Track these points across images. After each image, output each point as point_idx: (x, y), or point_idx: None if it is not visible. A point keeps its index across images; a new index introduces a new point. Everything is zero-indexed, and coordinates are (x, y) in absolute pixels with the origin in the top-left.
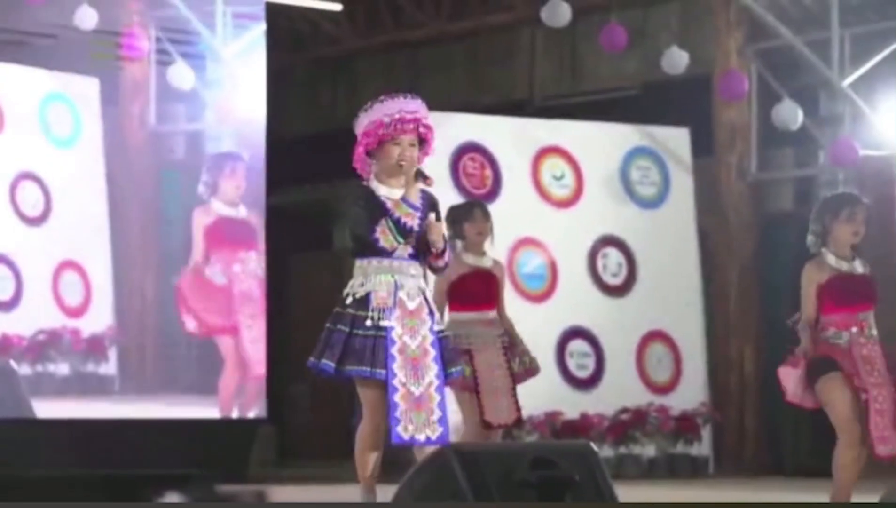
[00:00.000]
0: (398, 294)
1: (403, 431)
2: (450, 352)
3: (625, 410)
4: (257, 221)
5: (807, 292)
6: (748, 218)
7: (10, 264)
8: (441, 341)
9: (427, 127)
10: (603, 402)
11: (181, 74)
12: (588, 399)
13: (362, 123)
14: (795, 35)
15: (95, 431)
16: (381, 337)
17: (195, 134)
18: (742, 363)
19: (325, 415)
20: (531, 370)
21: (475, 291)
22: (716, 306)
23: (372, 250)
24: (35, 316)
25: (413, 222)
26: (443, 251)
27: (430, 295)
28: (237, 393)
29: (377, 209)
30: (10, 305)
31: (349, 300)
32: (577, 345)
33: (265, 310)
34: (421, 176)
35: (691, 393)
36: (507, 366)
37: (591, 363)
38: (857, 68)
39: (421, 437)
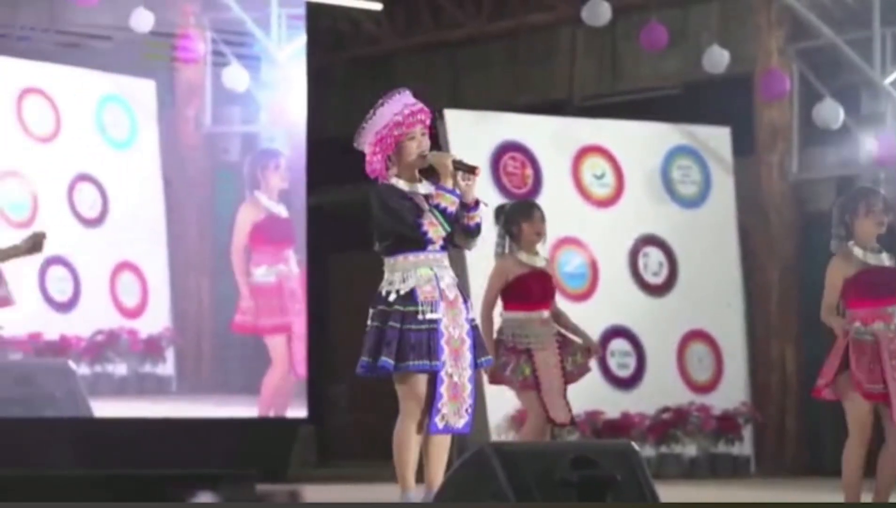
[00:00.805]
0: (440, 286)
1: (441, 421)
2: (481, 342)
3: (666, 409)
4: (297, 219)
5: (832, 282)
6: (789, 218)
7: (68, 266)
8: (474, 329)
9: (428, 113)
10: (644, 401)
11: (236, 76)
12: (629, 399)
13: (370, 132)
14: (837, 34)
15: (141, 431)
16: (433, 330)
17: (250, 135)
18: (783, 363)
19: (364, 415)
20: (584, 367)
21: (532, 291)
22: (757, 305)
23: (409, 245)
24: (93, 317)
25: (454, 208)
26: (476, 203)
27: (461, 285)
28: (280, 393)
29: (416, 205)
30: (68, 306)
31: (393, 297)
32: (618, 344)
33: (306, 310)
34: (462, 167)
35: (732, 393)
36: (561, 366)
37: (632, 362)
38: None
39: (452, 426)
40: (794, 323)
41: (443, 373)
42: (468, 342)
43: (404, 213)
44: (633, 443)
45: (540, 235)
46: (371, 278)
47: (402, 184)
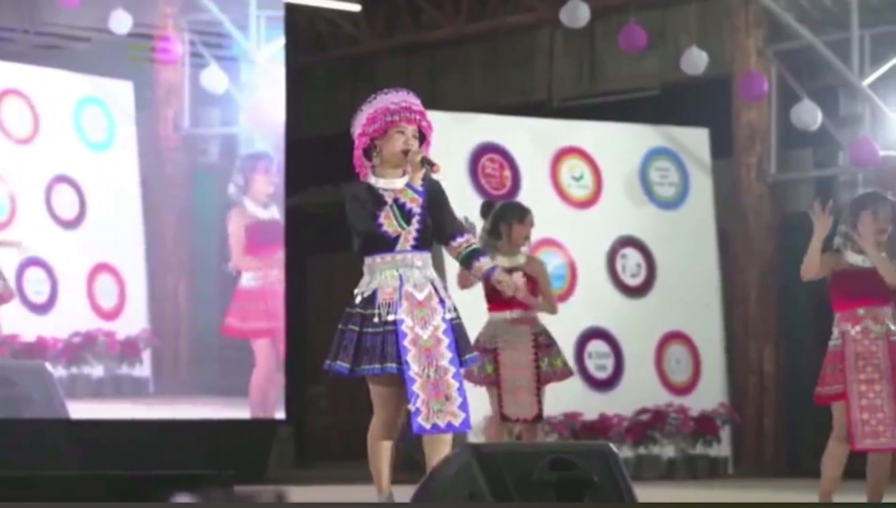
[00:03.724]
0: (404, 287)
1: (425, 421)
2: (465, 339)
3: (644, 411)
4: (280, 221)
5: (823, 258)
6: (768, 219)
7: (46, 267)
8: (455, 328)
9: (429, 123)
10: (622, 403)
11: (215, 78)
12: (607, 400)
13: (365, 115)
14: (815, 35)
15: (117, 432)
16: (389, 332)
17: (229, 137)
18: (761, 364)
19: (343, 416)
20: (564, 372)
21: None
22: (735, 306)
23: (376, 243)
24: (70, 318)
25: (416, 206)
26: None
27: (439, 284)
28: (267, 394)
29: (379, 200)
30: (45, 307)
31: (358, 300)
32: (596, 346)
33: (284, 312)
34: (427, 163)
35: (710, 394)
36: (535, 364)
37: (610, 363)
38: (876, 69)
39: (442, 424)
40: (772, 324)
41: (411, 373)
42: (446, 340)
43: (363, 208)
44: (611, 444)
45: (527, 238)
46: (350, 280)
47: (381, 181)
